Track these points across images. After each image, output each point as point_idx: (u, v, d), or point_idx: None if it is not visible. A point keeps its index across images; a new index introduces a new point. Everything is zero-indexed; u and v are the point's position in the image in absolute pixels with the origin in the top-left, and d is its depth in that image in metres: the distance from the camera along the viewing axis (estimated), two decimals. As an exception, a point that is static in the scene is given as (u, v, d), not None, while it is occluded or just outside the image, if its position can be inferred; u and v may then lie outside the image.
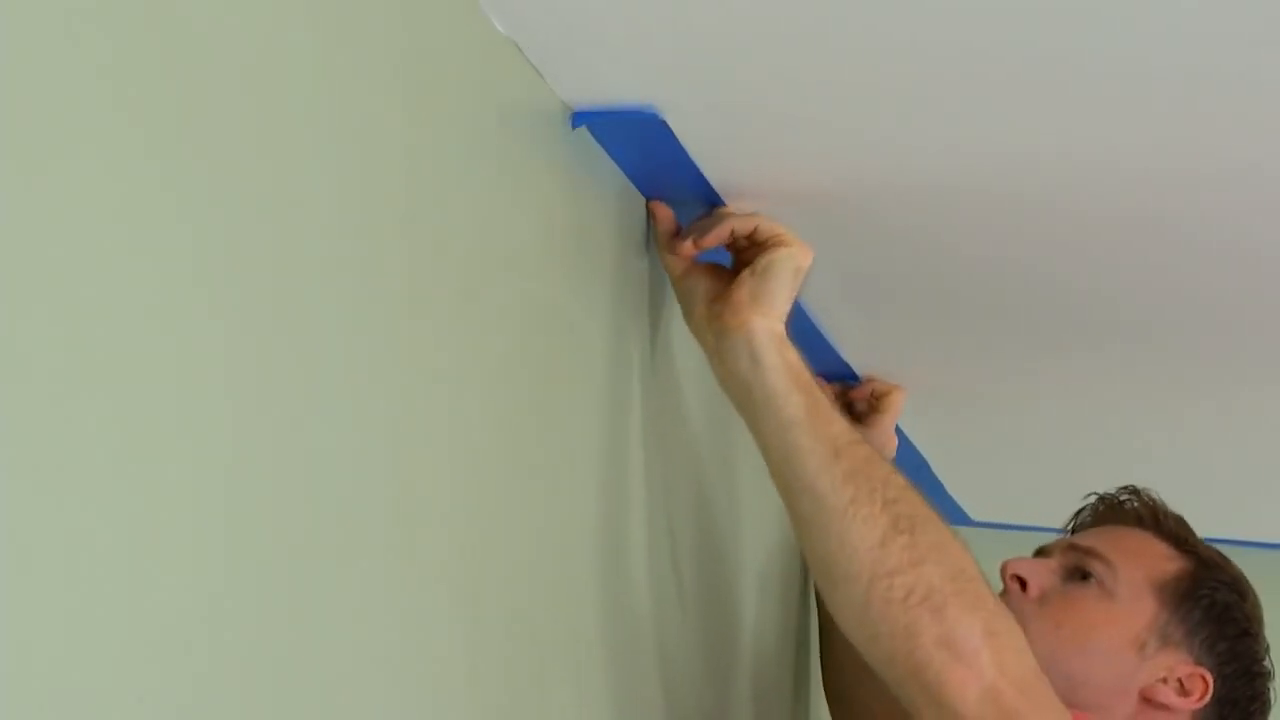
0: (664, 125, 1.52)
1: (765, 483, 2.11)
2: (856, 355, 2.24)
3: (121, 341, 0.88)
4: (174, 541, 0.93)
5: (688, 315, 1.68)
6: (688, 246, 1.66)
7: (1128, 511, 1.97)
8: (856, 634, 1.58)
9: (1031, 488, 3.07)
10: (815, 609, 2.35)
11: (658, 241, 1.71)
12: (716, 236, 1.64)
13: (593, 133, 1.54)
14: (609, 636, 1.63)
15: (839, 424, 1.61)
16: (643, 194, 1.69)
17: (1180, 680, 1.85)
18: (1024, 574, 1.91)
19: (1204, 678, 1.85)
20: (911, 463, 2.78)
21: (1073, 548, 1.93)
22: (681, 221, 1.72)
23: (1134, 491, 1.98)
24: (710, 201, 1.70)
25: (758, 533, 2.18)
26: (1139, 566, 1.89)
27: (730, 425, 2.06)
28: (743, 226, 1.64)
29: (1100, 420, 2.57)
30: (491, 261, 1.36)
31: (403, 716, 1.20)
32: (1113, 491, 2.00)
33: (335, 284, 1.11)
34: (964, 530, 3.35)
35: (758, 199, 1.71)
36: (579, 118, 1.51)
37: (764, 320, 1.61)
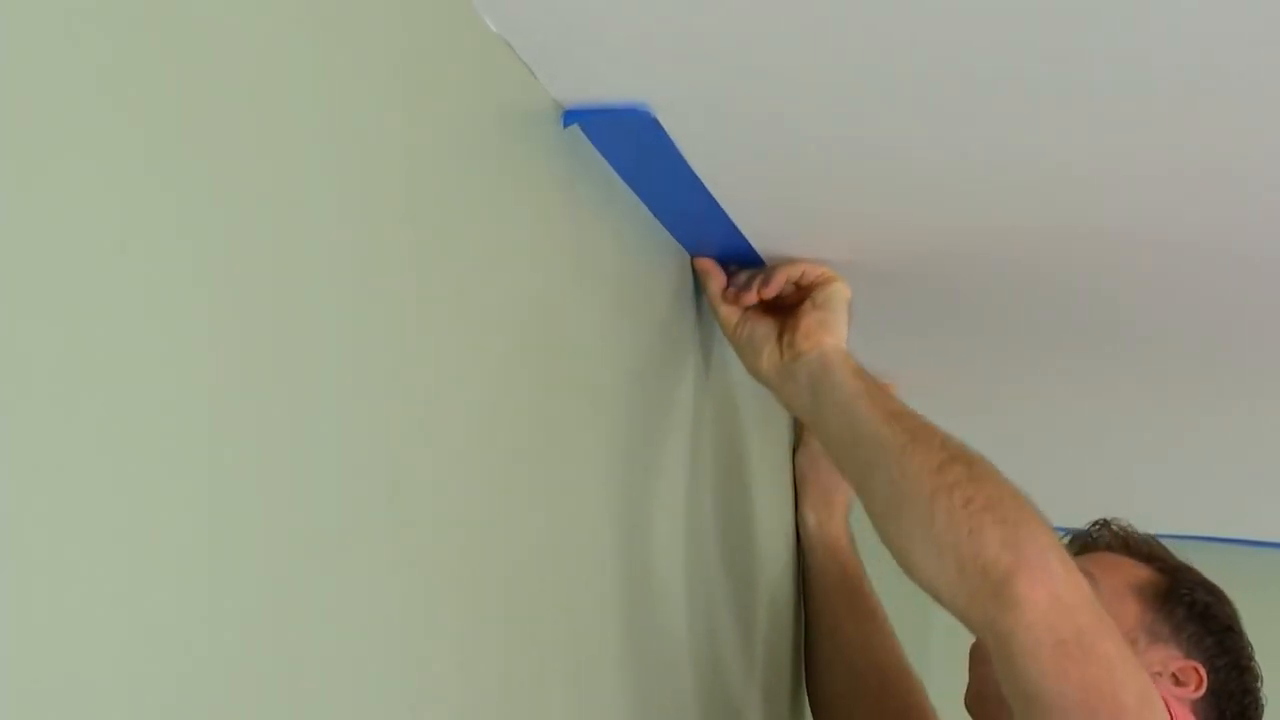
0: (656, 124, 1.52)
1: (774, 486, 2.10)
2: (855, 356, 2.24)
3: (118, 340, 0.88)
4: (168, 541, 0.92)
5: (754, 356, 1.83)
6: (752, 296, 1.83)
7: (1099, 541, 2.06)
8: (925, 557, 1.62)
9: (1030, 489, 3.06)
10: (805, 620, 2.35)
11: (710, 298, 1.87)
12: (777, 285, 1.82)
13: (584, 131, 1.54)
14: (608, 637, 1.63)
15: (900, 403, 1.74)
16: (632, 190, 1.69)
17: (1175, 674, 1.90)
18: None
19: (1197, 670, 1.90)
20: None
21: None
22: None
23: (1104, 524, 2.08)
24: (700, 202, 1.70)
25: (768, 537, 2.19)
26: (1116, 575, 1.96)
27: (742, 434, 2.06)
28: (794, 272, 1.82)
29: (1099, 422, 2.57)
30: (486, 261, 1.36)
31: (396, 716, 1.20)
32: (1084, 528, 2.10)
33: (330, 283, 1.10)
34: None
35: (749, 198, 1.71)
36: (570, 116, 1.50)
37: (833, 340, 1.79)
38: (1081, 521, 3.21)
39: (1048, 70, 1.36)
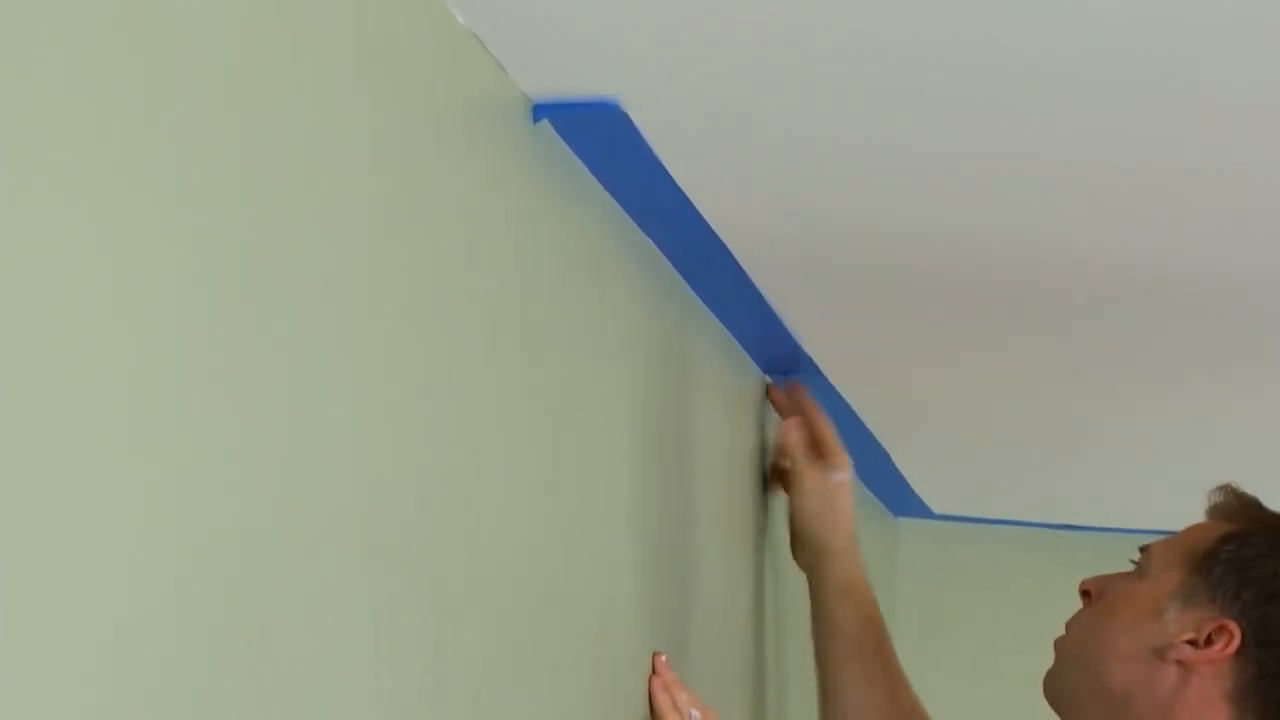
0: (626, 118, 1.51)
1: (744, 493, 2.10)
2: (820, 350, 2.24)
3: (85, 339, 0.87)
4: (138, 539, 0.92)
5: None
6: None
7: (1210, 509, 1.99)
8: None
9: (992, 481, 3.07)
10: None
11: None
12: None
13: (554, 126, 1.53)
14: (584, 638, 1.62)
15: None
16: (603, 186, 1.68)
17: (1209, 635, 1.86)
18: (1086, 585, 1.99)
19: (1227, 626, 1.85)
20: (873, 456, 2.77)
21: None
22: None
23: (1223, 490, 1.99)
24: (670, 198, 1.70)
25: (742, 540, 2.18)
26: (1179, 546, 1.93)
27: (709, 438, 2.06)
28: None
29: (1061, 414, 2.57)
30: (454, 257, 1.35)
31: (370, 717, 1.19)
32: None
33: (295, 281, 1.10)
34: (926, 523, 3.38)
35: (720, 194, 1.70)
36: (540, 110, 1.50)
37: None
38: (1056, 517, 3.23)
39: (1026, 69, 1.36)
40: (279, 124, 1.07)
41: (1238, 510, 1.95)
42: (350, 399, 1.17)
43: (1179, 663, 1.86)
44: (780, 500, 2.29)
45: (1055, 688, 1.97)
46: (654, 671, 1.80)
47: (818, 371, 2.30)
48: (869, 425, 2.61)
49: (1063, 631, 1.99)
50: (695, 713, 1.80)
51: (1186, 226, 1.71)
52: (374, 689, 1.20)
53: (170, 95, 0.95)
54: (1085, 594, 1.97)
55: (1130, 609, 1.90)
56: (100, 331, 0.89)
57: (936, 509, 3.28)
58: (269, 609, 1.05)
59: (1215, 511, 1.97)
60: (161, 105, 0.94)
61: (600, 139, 1.56)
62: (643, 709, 1.80)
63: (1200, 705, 1.85)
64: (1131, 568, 1.96)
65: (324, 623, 1.12)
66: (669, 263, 1.89)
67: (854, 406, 2.50)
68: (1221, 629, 1.85)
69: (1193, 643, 1.86)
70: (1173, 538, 1.95)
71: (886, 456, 2.81)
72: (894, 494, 3.14)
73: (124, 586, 0.90)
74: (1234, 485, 1.98)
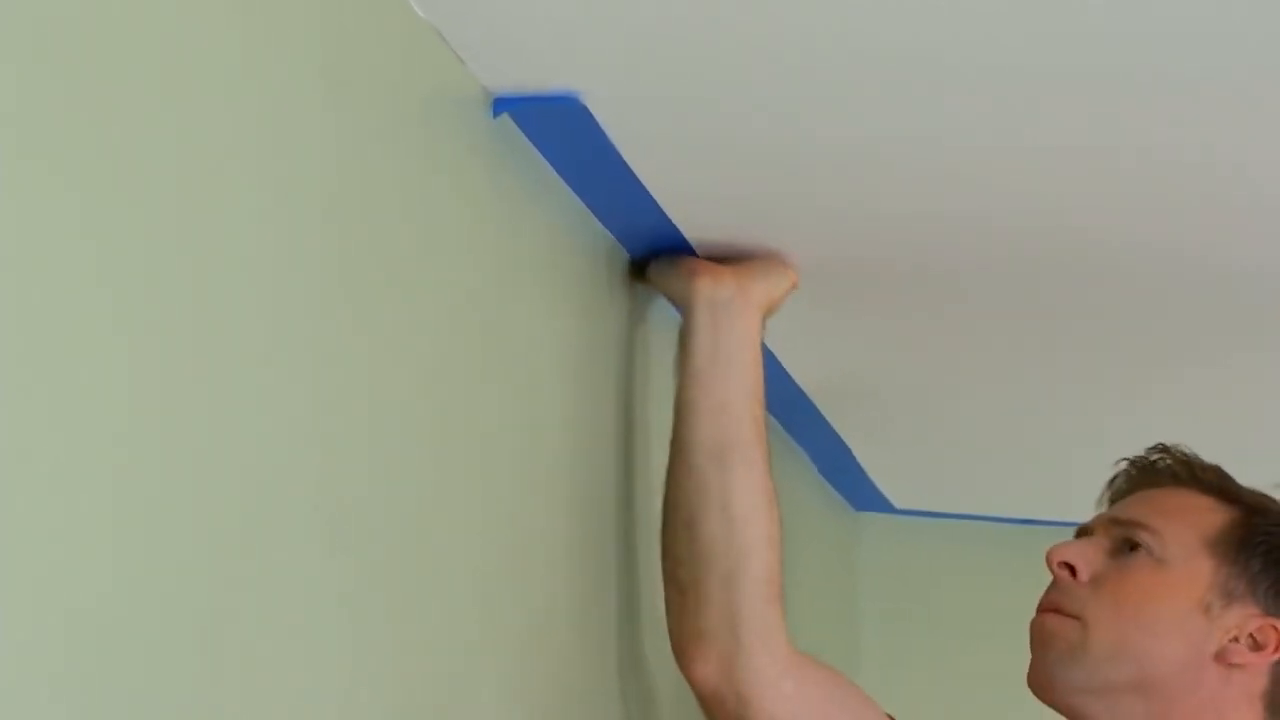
0: (586, 112, 1.51)
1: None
2: (783, 346, 2.24)
3: (36, 331, 0.87)
4: (97, 529, 0.92)
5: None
6: None
7: (1162, 471, 1.86)
8: None
9: (955, 475, 3.07)
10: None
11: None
12: None
13: (515, 120, 1.53)
14: (535, 637, 1.62)
15: None
16: (564, 181, 1.68)
17: (1252, 635, 1.75)
18: (1071, 559, 1.81)
19: (1275, 628, 1.75)
20: (834, 450, 2.78)
21: (1114, 521, 1.83)
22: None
23: (1164, 449, 1.87)
24: (631, 192, 1.69)
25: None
26: (1186, 526, 1.80)
27: (665, 425, 2.05)
28: None
29: (1025, 408, 2.57)
30: (413, 253, 1.35)
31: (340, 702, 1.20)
32: (1142, 453, 1.89)
33: (250, 279, 1.09)
34: (887, 518, 3.39)
35: (681, 189, 1.70)
36: (500, 104, 1.50)
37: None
38: (1019, 512, 3.23)
39: (991, 61, 1.36)
40: (236, 116, 1.07)
41: (1211, 481, 1.83)
42: (309, 390, 1.16)
43: (1228, 663, 1.75)
44: None
45: (1076, 680, 1.78)
46: None
47: (777, 363, 2.30)
48: (830, 420, 2.61)
49: (1038, 615, 1.82)
50: None
51: (1157, 213, 1.72)
52: (342, 676, 1.20)
53: (126, 87, 0.94)
54: (1064, 566, 1.80)
55: (1174, 602, 1.76)
56: (55, 326, 0.88)
57: (898, 504, 3.28)
58: (235, 597, 1.06)
59: (1167, 476, 1.84)
60: (117, 97, 0.93)
61: (561, 133, 1.56)
62: (591, 690, 1.80)
63: (1241, 704, 1.73)
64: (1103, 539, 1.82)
65: (290, 611, 1.13)
66: (630, 256, 1.89)
67: (815, 401, 2.50)
68: (1270, 629, 1.75)
69: (1235, 640, 1.75)
70: (1157, 511, 1.80)
71: (848, 451, 2.81)
72: (855, 489, 3.14)
73: (85, 578, 0.90)
74: (1177, 446, 1.86)
